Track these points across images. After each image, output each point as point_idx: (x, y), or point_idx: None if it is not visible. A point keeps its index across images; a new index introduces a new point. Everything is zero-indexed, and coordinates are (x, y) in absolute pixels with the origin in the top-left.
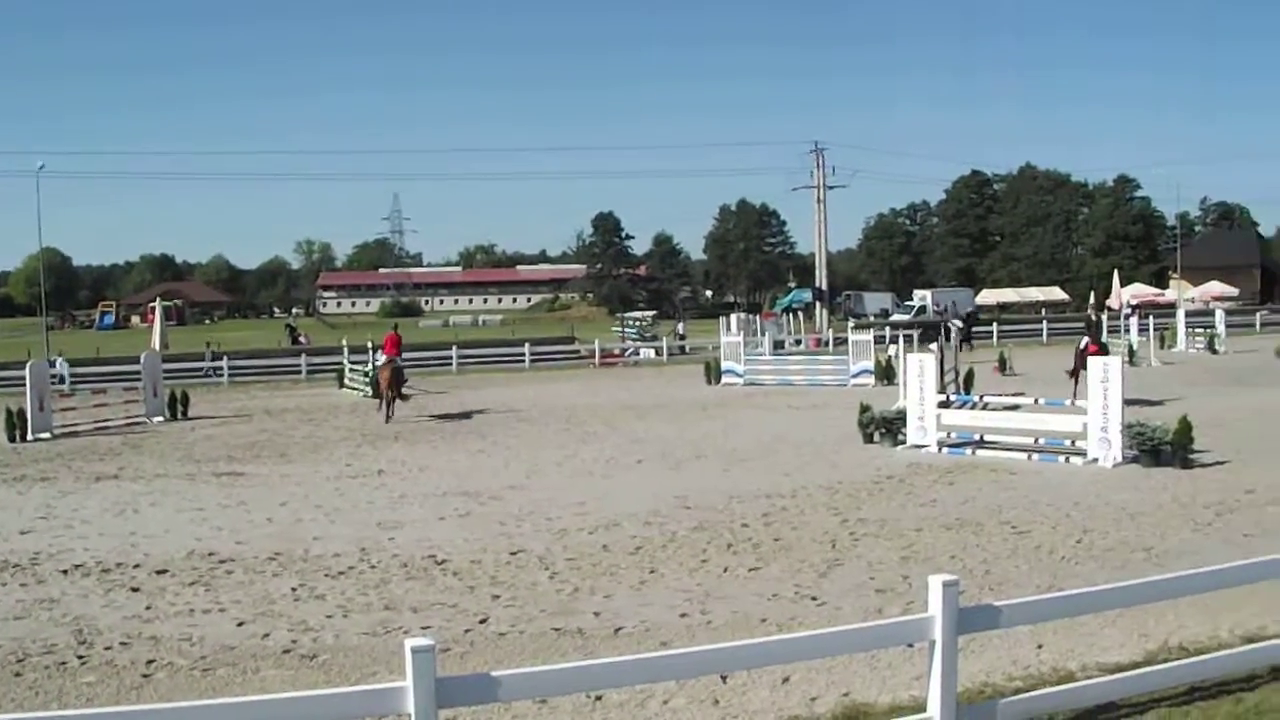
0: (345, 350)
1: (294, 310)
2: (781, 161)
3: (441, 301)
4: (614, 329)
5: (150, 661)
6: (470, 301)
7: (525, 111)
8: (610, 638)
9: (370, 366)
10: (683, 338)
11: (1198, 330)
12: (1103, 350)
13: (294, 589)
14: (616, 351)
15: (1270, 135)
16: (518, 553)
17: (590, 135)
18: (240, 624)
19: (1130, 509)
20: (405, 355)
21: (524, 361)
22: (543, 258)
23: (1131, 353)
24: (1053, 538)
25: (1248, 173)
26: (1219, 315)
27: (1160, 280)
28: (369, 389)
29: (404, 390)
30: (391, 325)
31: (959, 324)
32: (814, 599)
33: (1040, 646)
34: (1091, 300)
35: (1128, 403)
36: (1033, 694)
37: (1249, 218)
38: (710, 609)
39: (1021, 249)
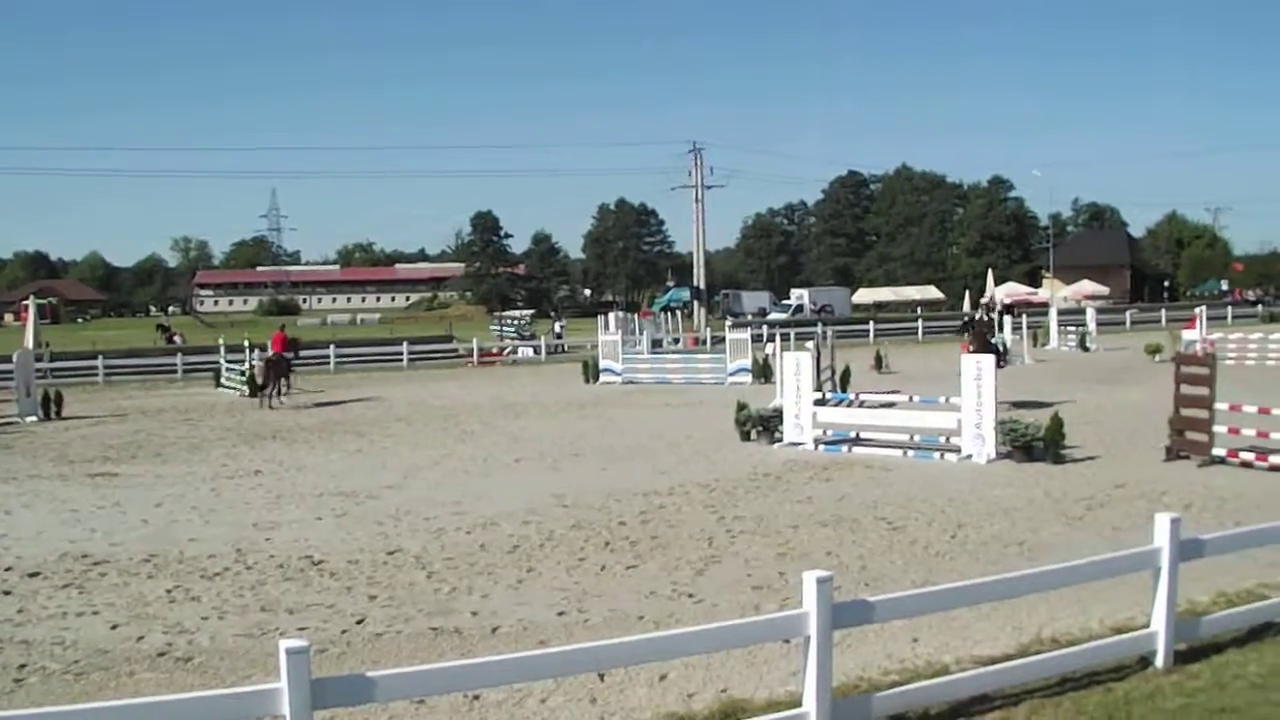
0: (222, 349)
1: (169, 309)
2: (660, 161)
3: (320, 300)
4: (492, 328)
5: (22, 666)
6: (349, 300)
7: (403, 109)
8: (487, 637)
9: (248, 365)
10: (560, 336)
11: (1070, 328)
12: (989, 350)
13: (169, 591)
14: (495, 350)
15: (1140, 138)
16: (395, 552)
17: (468, 133)
18: (114, 627)
19: (1003, 504)
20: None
21: (402, 361)
22: (421, 256)
23: (1005, 350)
24: (927, 533)
25: (1118, 175)
26: (1090, 314)
27: (1033, 279)
28: (246, 388)
29: (283, 387)
30: (279, 325)
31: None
32: (691, 596)
33: (916, 640)
34: (985, 299)
35: (1018, 404)
36: (907, 687)
37: (1119, 218)
38: (587, 607)
39: (898, 248)
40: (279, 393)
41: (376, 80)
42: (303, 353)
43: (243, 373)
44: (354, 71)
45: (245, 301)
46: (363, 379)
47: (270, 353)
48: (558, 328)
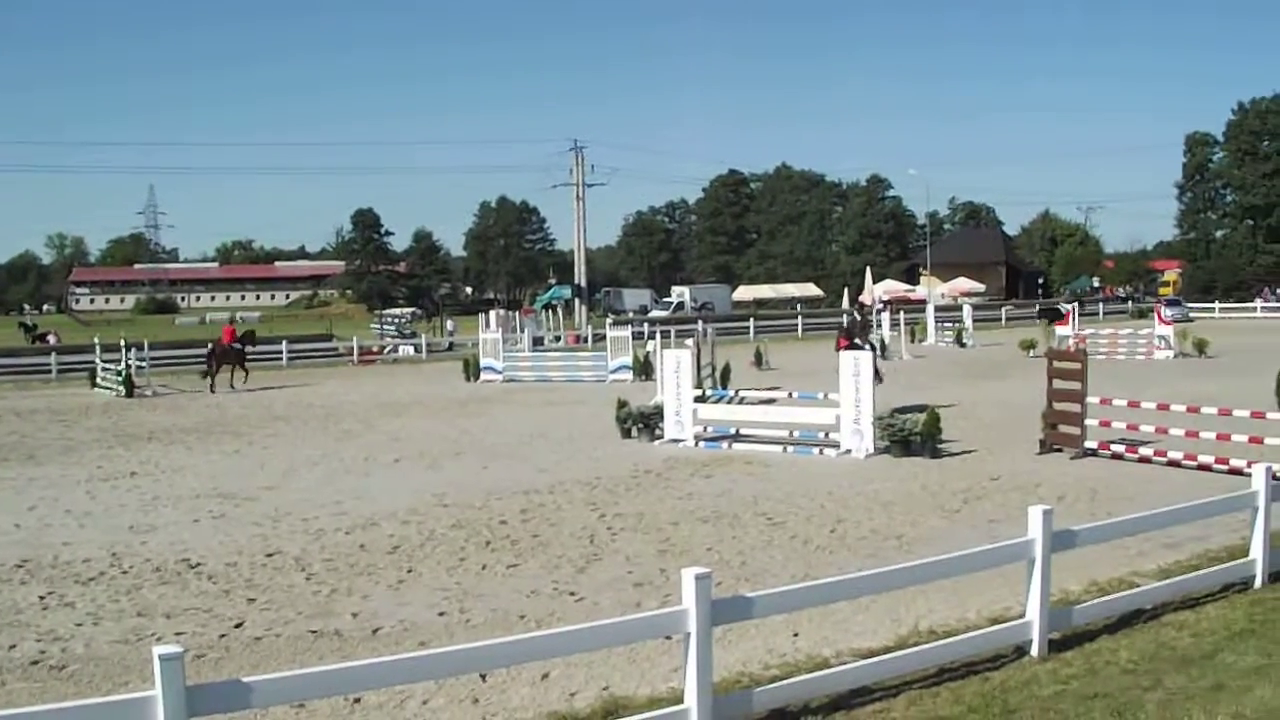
0: (98, 349)
1: (44, 307)
2: (542, 159)
3: (199, 298)
4: (373, 326)
5: None
6: (228, 298)
7: (284, 105)
8: (368, 639)
9: (123, 365)
10: (452, 333)
11: (946, 325)
12: (855, 348)
13: (42, 597)
14: (375, 349)
15: (1015, 138)
16: (274, 554)
17: (350, 130)
18: None
19: (882, 498)
20: (163, 354)
21: (281, 359)
22: (302, 254)
23: (883, 346)
24: (807, 528)
25: (994, 174)
26: (966, 310)
27: (911, 276)
28: (122, 387)
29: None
30: (227, 319)
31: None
32: (572, 594)
33: (796, 635)
34: (866, 297)
35: (904, 410)
36: (788, 681)
37: (995, 217)
38: (469, 607)
39: (778, 246)
40: (230, 380)
41: (256, 76)
42: (181, 353)
43: (119, 372)
44: (233, 67)
45: (122, 300)
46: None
47: (221, 342)
48: (450, 325)
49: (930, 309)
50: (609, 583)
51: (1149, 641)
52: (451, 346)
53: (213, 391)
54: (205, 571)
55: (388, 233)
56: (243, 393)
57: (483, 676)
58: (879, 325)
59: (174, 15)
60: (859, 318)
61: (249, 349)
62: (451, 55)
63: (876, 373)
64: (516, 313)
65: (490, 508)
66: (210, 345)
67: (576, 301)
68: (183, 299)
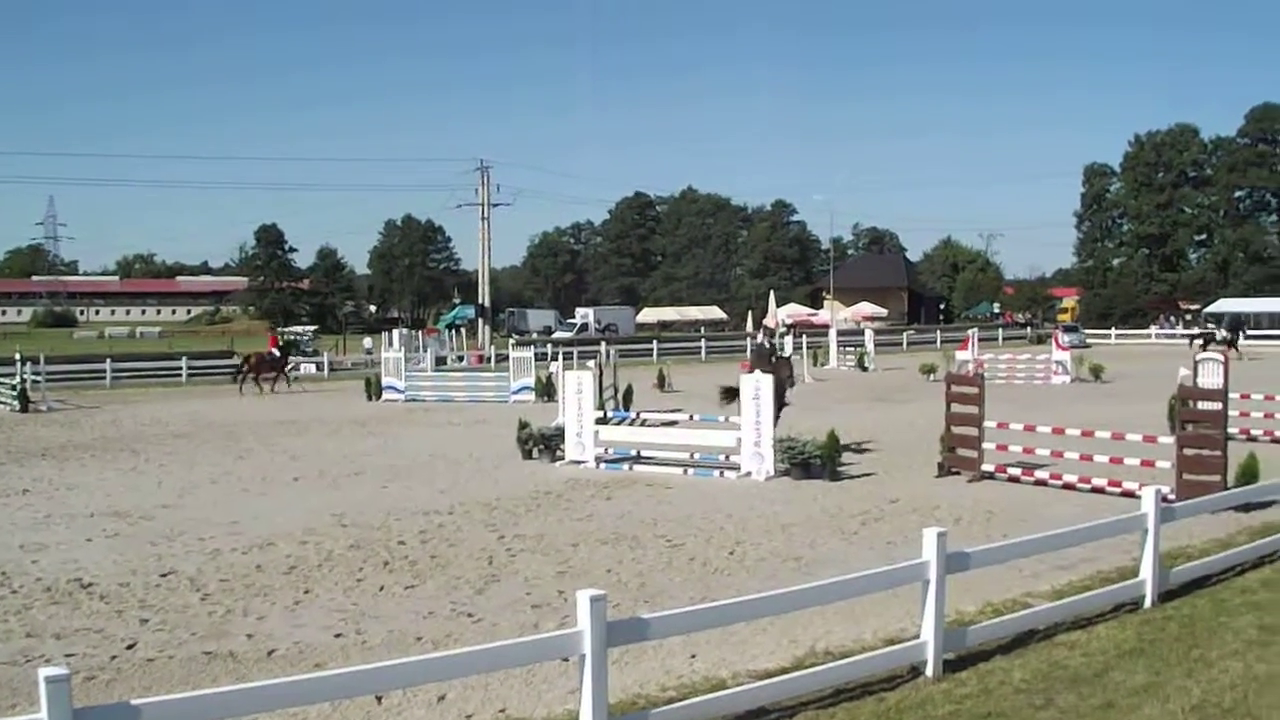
0: None
1: None
2: (448, 178)
3: (98, 312)
4: None
5: None
6: (128, 312)
7: (190, 119)
8: (263, 660)
9: (19, 379)
10: (370, 352)
11: (848, 349)
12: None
13: None
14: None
15: (918, 165)
16: (168, 574)
17: (255, 146)
18: None
19: (781, 520)
20: (60, 368)
21: (181, 376)
22: (204, 269)
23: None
24: (706, 550)
25: (897, 201)
26: (868, 335)
27: (815, 301)
28: (17, 402)
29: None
30: (268, 328)
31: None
32: (470, 616)
33: (694, 656)
34: (770, 321)
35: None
36: (685, 703)
37: (898, 243)
38: (365, 628)
39: (682, 269)
40: (270, 382)
41: (161, 87)
42: (78, 367)
43: (14, 386)
44: (138, 78)
45: (19, 312)
46: (141, 394)
47: (265, 350)
48: (367, 343)
49: (833, 333)
50: (507, 604)
51: (1042, 661)
52: (370, 364)
53: (260, 393)
54: (98, 591)
55: (292, 249)
56: (262, 397)
57: (379, 698)
58: (782, 349)
59: (77, 27)
60: (768, 344)
61: (284, 357)
62: (358, 74)
63: (784, 396)
64: (420, 332)
65: (389, 528)
66: (249, 355)
67: (480, 321)
68: (81, 312)
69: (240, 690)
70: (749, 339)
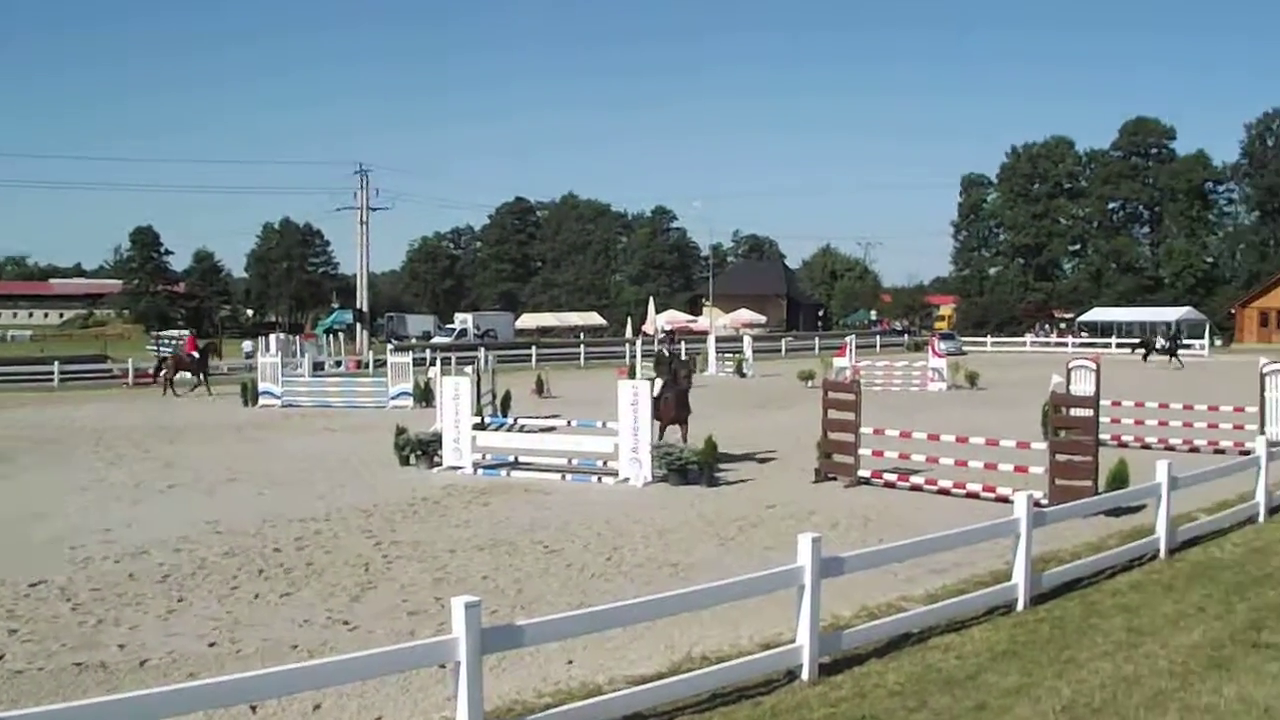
0: None
1: None
2: (327, 181)
3: None
4: (149, 348)
5: None
6: None
7: (63, 118)
8: (135, 670)
9: None
10: (250, 356)
11: (727, 355)
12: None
13: None
14: (151, 371)
15: (798, 173)
16: (38, 584)
17: (130, 146)
18: None
19: (659, 526)
20: None
21: (53, 380)
22: (78, 271)
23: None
24: (584, 556)
25: (777, 208)
26: (747, 341)
27: (694, 307)
28: None
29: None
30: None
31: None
32: (346, 624)
33: (571, 662)
34: (649, 327)
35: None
36: (561, 709)
37: (777, 250)
38: (240, 637)
39: (562, 275)
40: (171, 383)
41: (32, 84)
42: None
43: None
44: (10, 75)
45: None
46: (11, 399)
47: (185, 353)
48: (248, 347)
49: (711, 340)
50: (383, 611)
51: (916, 664)
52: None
53: (164, 394)
54: None
55: (168, 252)
56: (167, 399)
57: (253, 708)
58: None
59: None
60: (668, 351)
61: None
62: (237, 77)
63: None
64: (298, 337)
65: (265, 535)
66: (167, 355)
67: (358, 326)
68: None
69: (111, 701)
70: (628, 345)
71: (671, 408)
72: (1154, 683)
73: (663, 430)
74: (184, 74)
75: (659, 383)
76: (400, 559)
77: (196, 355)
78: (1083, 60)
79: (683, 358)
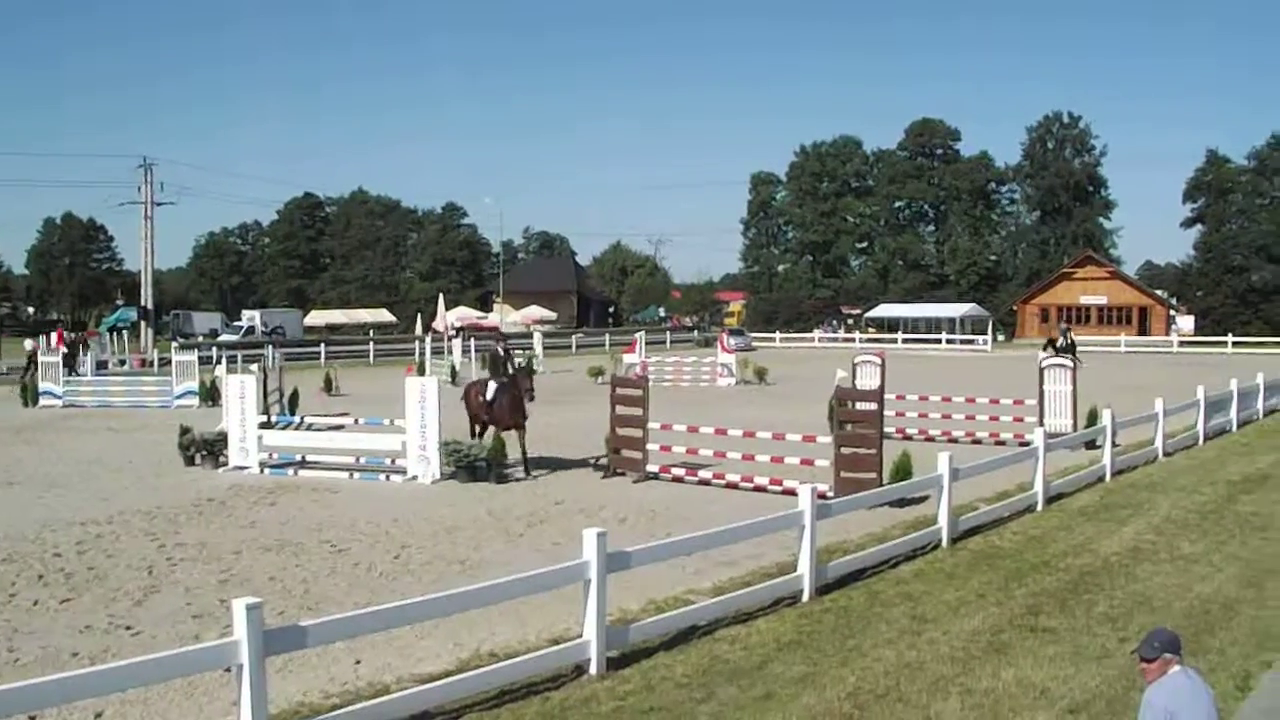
0: None
1: None
2: (111, 175)
3: None
4: None
5: None
6: None
7: None
8: None
9: None
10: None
11: (517, 352)
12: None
13: None
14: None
15: (590, 171)
16: None
17: None
18: None
19: (447, 523)
20: None
21: None
22: None
23: (454, 373)
24: (372, 554)
25: (568, 205)
26: (537, 337)
27: (485, 304)
28: None
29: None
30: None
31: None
32: (129, 629)
33: (359, 662)
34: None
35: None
36: (348, 709)
37: (569, 247)
38: (18, 645)
39: (352, 271)
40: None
41: None
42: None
43: None
44: None
45: None
46: None
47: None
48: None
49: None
50: (167, 615)
51: (703, 656)
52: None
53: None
54: None
55: None
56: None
57: (31, 718)
58: (450, 352)
59: None
60: (503, 350)
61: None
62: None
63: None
64: (81, 334)
65: (44, 540)
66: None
67: (143, 324)
68: None
69: None
70: (417, 342)
71: (506, 413)
72: (936, 668)
73: (496, 436)
74: None
75: (492, 385)
76: (185, 561)
77: (65, 350)
78: (871, 63)
79: (519, 363)
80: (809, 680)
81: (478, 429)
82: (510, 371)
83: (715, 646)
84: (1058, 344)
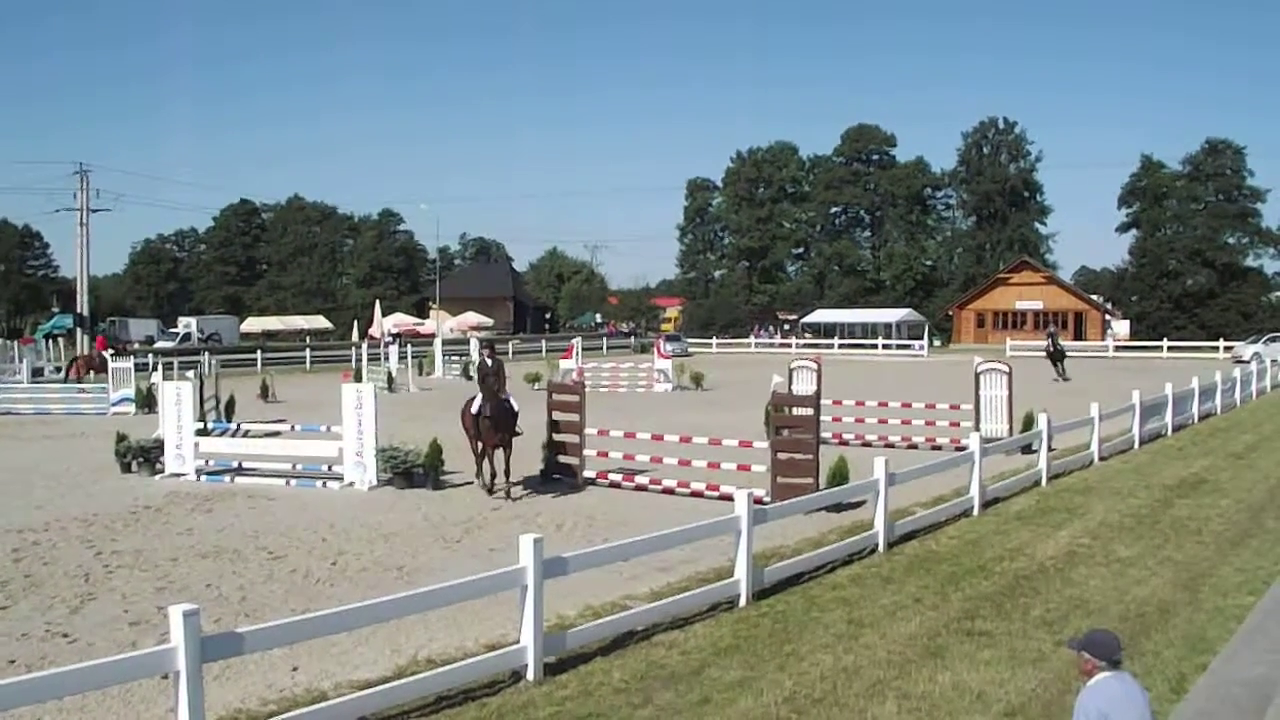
0: None
1: None
2: (46, 181)
3: None
4: None
5: None
6: None
7: None
8: None
9: None
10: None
11: (454, 358)
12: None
13: None
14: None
15: (524, 177)
16: None
17: None
18: None
19: (384, 529)
20: None
21: None
22: None
23: (391, 379)
24: (308, 561)
25: (505, 212)
26: (474, 344)
27: (421, 310)
28: None
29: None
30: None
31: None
32: (66, 636)
33: (296, 669)
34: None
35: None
36: (285, 716)
37: (505, 253)
38: None
39: (289, 278)
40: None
41: None
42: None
43: None
44: None
45: None
46: None
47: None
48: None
49: (439, 342)
50: (104, 623)
51: (640, 661)
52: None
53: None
54: None
55: None
56: None
57: None
58: (386, 358)
59: None
60: (490, 361)
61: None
62: None
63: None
64: (15, 342)
65: None
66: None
67: (79, 331)
68: None
69: None
70: (354, 348)
71: (493, 433)
72: (873, 672)
73: (482, 457)
74: None
75: (477, 399)
76: (122, 569)
77: (108, 355)
78: (808, 66)
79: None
80: (746, 685)
81: (479, 446)
82: (497, 386)
83: (652, 652)
84: (1049, 350)
